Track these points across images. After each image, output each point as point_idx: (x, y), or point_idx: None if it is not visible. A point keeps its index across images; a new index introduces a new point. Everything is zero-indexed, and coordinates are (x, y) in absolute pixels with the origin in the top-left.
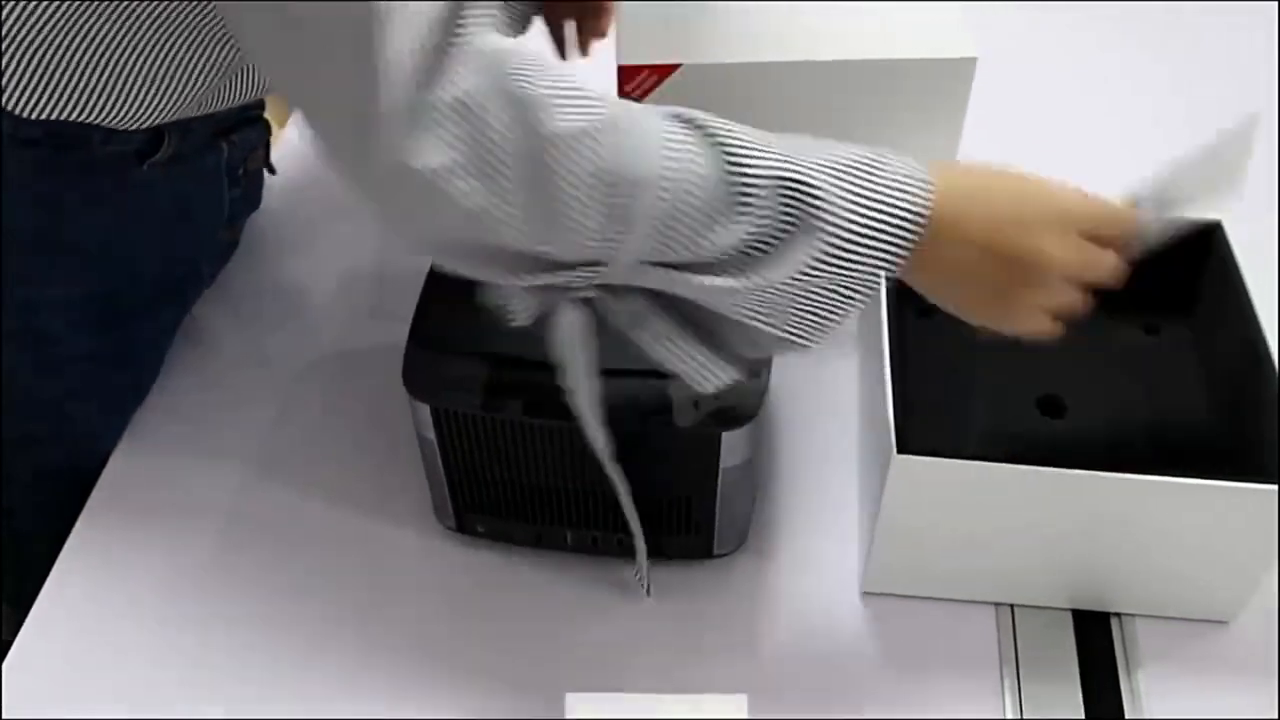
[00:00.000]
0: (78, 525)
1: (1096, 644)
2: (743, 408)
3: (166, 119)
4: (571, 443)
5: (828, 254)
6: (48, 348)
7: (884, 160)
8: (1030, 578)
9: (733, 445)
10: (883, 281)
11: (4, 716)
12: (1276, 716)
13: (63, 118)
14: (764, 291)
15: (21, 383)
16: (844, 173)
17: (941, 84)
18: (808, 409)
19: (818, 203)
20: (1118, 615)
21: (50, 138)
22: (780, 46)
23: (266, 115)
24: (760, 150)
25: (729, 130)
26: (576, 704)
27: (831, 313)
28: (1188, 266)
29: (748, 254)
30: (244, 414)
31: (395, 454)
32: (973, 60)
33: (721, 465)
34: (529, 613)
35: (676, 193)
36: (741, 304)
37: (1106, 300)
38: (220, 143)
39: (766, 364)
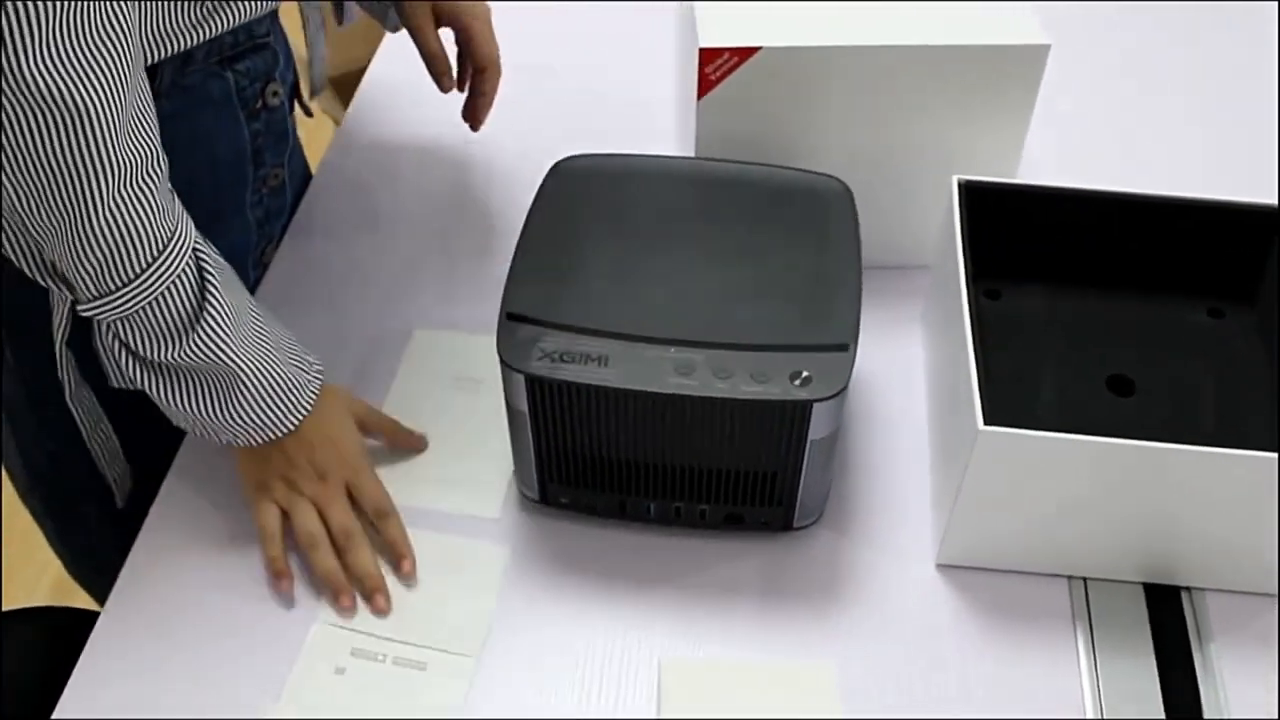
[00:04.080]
0: (167, 478)
1: (1168, 617)
2: (834, 379)
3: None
4: (662, 414)
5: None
6: None
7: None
8: (1104, 552)
9: (822, 417)
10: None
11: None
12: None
13: None
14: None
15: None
16: (272, 388)
17: (1013, 70)
18: (874, 386)
19: (244, 379)
20: (1188, 589)
21: None
22: (857, 31)
23: (276, 46)
24: (229, 330)
25: (217, 295)
26: (671, 668)
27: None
28: (1252, 251)
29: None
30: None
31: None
32: (1046, 47)
33: (809, 437)
34: (611, 583)
35: (161, 306)
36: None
37: (1171, 284)
38: (225, 71)
39: (853, 336)
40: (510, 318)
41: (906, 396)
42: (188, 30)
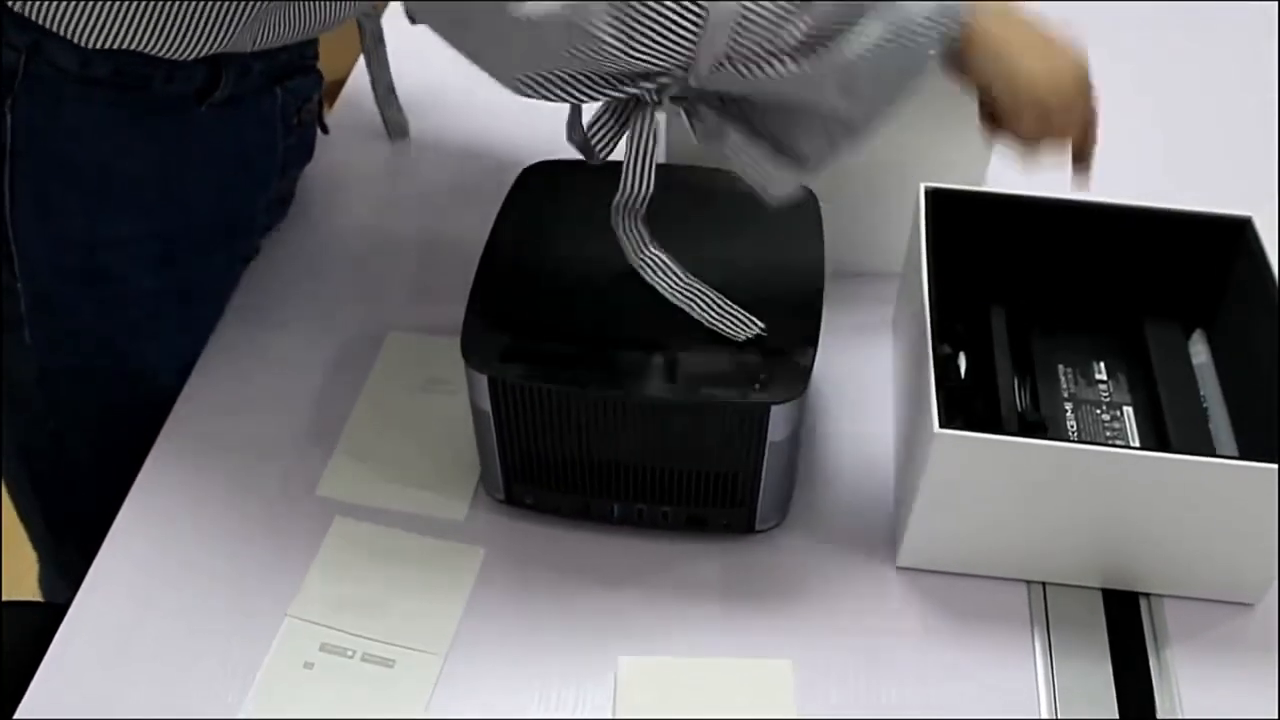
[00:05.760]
0: (142, 472)
1: (1126, 623)
2: (792, 383)
3: (217, 48)
4: (622, 416)
5: (898, 31)
6: (109, 285)
7: None
8: (1062, 556)
9: (780, 419)
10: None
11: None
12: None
13: (121, 46)
14: (834, 73)
15: (85, 319)
16: None
17: None
18: (842, 391)
19: None
20: (1146, 595)
21: (114, 76)
22: None
23: (320, 68)
24: None
25: None
26: (629, 667)
27: (894, 92)
28: (1217, 259)
29: (818, 38)
30: (295, 377)
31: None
32: None
33: (769, 439)
34: (576, 583)
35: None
36: (812, 89)
37: (1138, 291)
38: (275, 88)
39: (813, 341)
40: (475, 319)
41: (875, 401)
42: (248, 30)
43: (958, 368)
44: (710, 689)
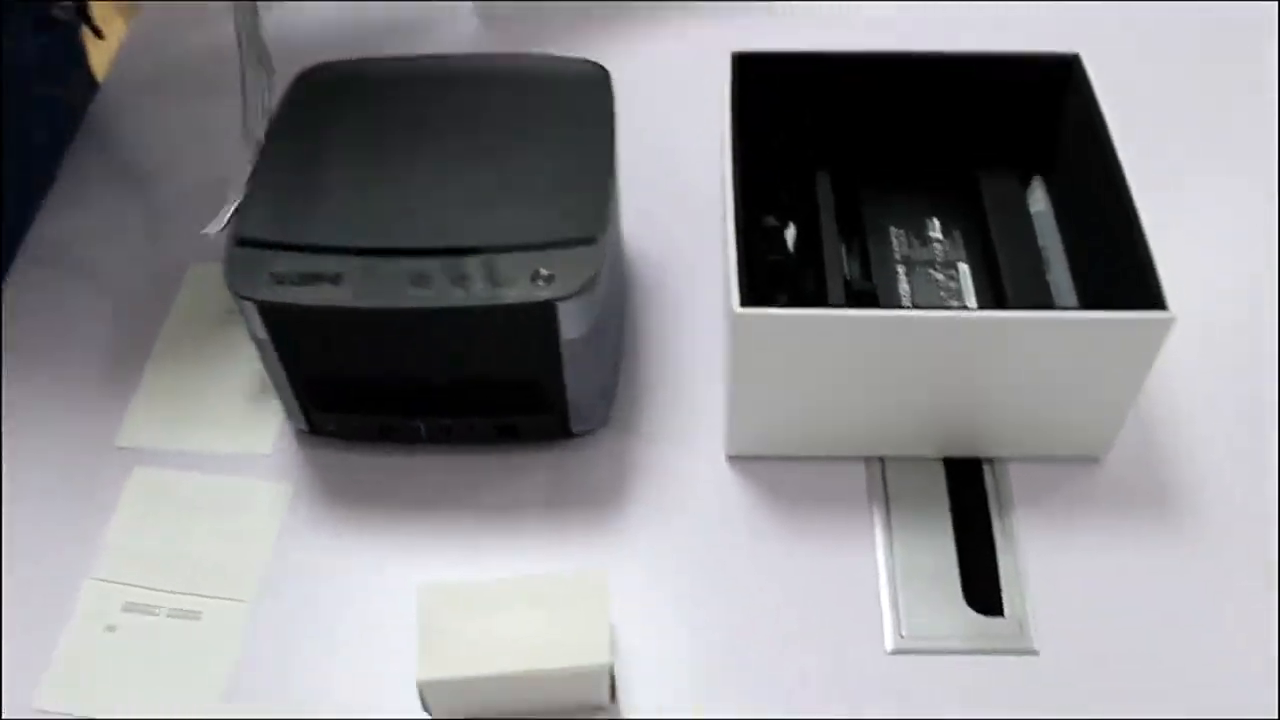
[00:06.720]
0: None
1: (968, 491)
2: (579, 275)
3: None
4: (403, 329)
5: None
6: None
7: None
8: (897, 429)
9: (572, 317)
10: None
11: None
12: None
13: None
14: None
15: None
16: None
17: None
18: (671, 282)
19: None
20: (989, 461)
21: None
22: None
23: None
24: None
25: None
26: (429, 595)
27: None
28: (1049, 106)
29: None
30: (93, 322)
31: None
32: None
33: (562, 338)
34: (389, 511)
35: None
36: None
37: (971, 148)
38: None
39: (603, 230)
40: (241, 243)
41: (707, 290)
42: None
43: (784, 240)
44: (519, 606)
